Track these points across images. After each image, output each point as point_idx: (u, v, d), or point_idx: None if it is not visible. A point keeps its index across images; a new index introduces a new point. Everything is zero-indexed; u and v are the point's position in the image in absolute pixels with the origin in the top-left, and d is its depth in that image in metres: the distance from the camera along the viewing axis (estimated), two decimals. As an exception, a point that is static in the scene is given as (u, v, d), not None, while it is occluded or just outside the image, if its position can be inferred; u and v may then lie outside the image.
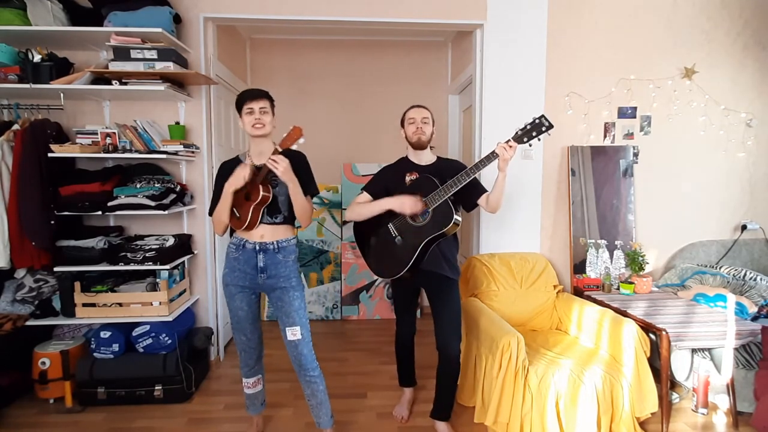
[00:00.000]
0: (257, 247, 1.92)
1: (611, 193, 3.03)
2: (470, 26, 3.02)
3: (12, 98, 2.69)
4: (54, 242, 2.46)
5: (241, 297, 1.97)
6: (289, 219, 1.98)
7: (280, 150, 1.82)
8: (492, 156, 1.94)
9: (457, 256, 2.21)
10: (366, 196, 2.21)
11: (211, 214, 2.01)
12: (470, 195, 2.13)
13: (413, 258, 2.03)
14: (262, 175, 1.86)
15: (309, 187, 1.96)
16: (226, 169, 1.97)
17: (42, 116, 2.64)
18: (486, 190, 2.16)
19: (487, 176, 2.26)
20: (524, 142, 1.95)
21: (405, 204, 2.01)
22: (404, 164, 2.23)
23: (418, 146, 2.16)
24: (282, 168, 1.78)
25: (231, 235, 2.03)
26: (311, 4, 2.86)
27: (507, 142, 1.93)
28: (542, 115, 1.92)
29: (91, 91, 2.63)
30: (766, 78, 3.11)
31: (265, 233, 1.93)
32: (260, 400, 2.18)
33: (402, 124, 2.21)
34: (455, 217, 1.98)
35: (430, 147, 2.22)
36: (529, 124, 1.93)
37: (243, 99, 1.89)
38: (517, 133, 1.95)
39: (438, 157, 2.24)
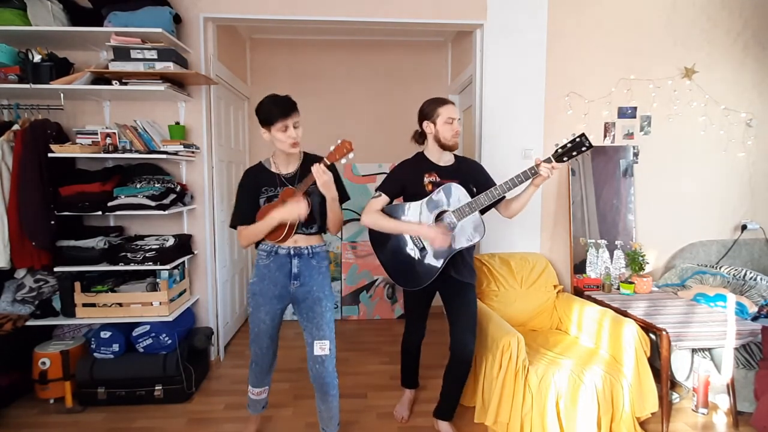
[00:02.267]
0: (291, 252, 1.88)
1: (611, 193, 3.03)
2: (470, 26, 3.02)
3: (12, 98, 2.69)
4: (54, 242, 2.46)
5: (266, 309, 1.92)
6: (321, 228, 1.95)
7: (327, 164, 1.76)
8: (530, 173, 1.89)
9: (473, 258, 2.19)
10: (383, 197, 2.07)
11: (234, 225, 1.90)
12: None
13: (440, 269, 1.99)
14: (306, 187, 1.80)
15: (342, 196, 1.94)
16: (253, 177, 1.90)
17: (42, 116, 2.63)
18: (503, 197, 2.07)
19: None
20: (564, 162, 1.88)
21: (437, 239, 1.93)
22: (423, 163, 2.10)
23: (453, 149, 2.07)
24: (323, 181, 1.73)
25: (258, 243, 1.95)
26: (311, 4, 2.86)
27: (548, 161, 1.87)
28: (582, 134, 1.85)
29: (91, 91, 2.63)
30: (766, 78, 3.11)
31: (298, 239, 1.89)
32: (262, 404, 2.18)
33: (428, 119, 2.05)
34: (485, 229, 1.96)
35: None
36: (570, 142, 1.86)
37: (275, 117, 1.76)
38: (557, 151, 1.88)
39: (456, 156, 2.15)
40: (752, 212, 3.18)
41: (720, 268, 2.96)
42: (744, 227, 3.14)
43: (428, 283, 2.03)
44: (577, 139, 1.85)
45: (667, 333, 2.15)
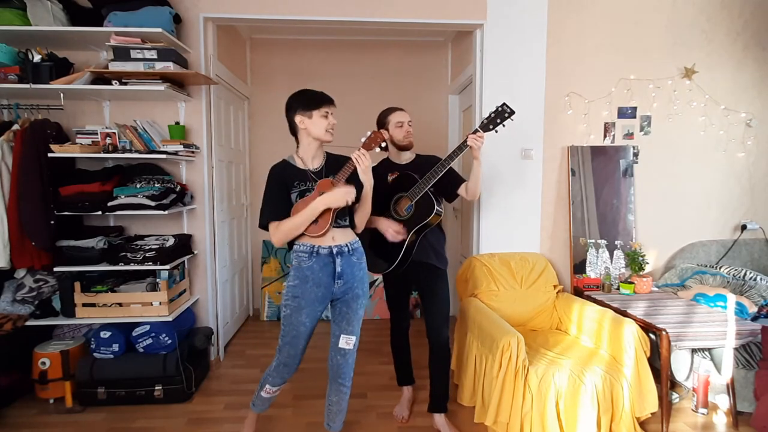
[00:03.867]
0: (333, 251, 1.84)
1: (611, 193, 3.03)
2: (470, 26, 3.02)
3: (12, 98, 2.69)
4: (54, 242, 2.45)
5: (308, 312, 1.85)
6: (351, 223, 1.93)
7: (364, 151, 1.80)
8: (463, 146, 2.06)
9: (444, 247, 2.30)
10: None
11: (266, 223, 1.84)
12: (450, 186, 2.23)
13: (402, 250, 2.12)
14: (345, 176, 1.81)
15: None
16: (281, 173, 1.87)
17: (42, 116, 2.64)
18: (464, 180, 2.26)
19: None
20: (490, 130, 2.05)
21: (389, 230, 2.09)
22: (385, 165, 2.31)
23: (407, 148, 2.26)
24: (365, 165, 1.77)
25: (291, 246, 1.90)
26: (311, 4, 2.86)
27: (475, 132, 2.04)
28: (504, 103, 2.04)
29: (91, 91, 2.63)
30: (766, 78, 3.11)
31: (336, 236, 1.86)
32: (269, 403, 2.16)
33: (382, 128, 2.25)
34: (437, 207, 2.09)
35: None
36: (493, 112, 2.05)
37: (321, 101, 1.82)
38: (482, 122, 2.07)
39: (417, 155, 2.32)
40: (752, 212, 3.18)
41: (720, 268, 2.96)
42: (744, 227, 3.14)
43: (395, 266, 2.14)
44: (500, 108, 2.03)
45: (667, 333, 2.15)
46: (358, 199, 1.86)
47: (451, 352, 2.25)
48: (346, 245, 1.88)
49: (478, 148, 2.03)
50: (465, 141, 2.05)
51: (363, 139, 1.84)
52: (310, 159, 1.90)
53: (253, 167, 4.02)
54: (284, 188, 1.84)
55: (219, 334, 3.10)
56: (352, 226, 1.95)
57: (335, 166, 1.88)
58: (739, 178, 3.16)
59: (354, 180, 1.83)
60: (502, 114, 2.03)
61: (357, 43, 4.05)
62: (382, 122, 2.27)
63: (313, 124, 1.83)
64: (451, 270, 3.57)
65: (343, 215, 1.88)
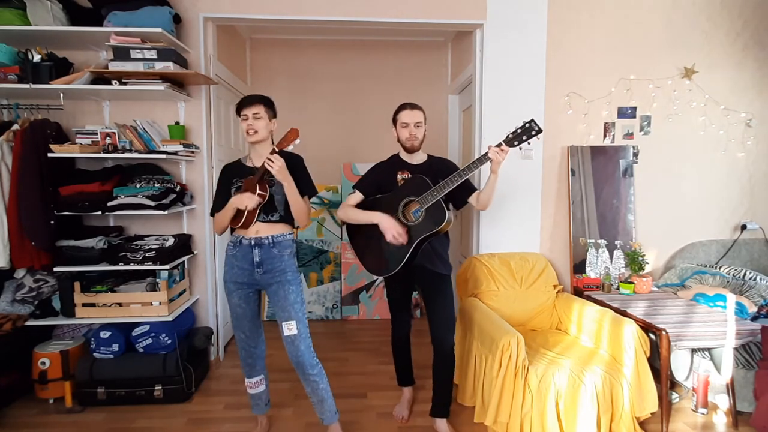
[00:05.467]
0: (252, 242, 1.96)
1: (611, 193, 3.03)
2: (470, 26, 3.02)
3: (12, 98, 2.69)
4: (54, 242, 2.45)
5: (238, 294, 2.01)
6: (286, 218, 2.01)
7: (276, 150, 1.87)
8: (484, 159, 1.98)
9: (448, 252, 2.26)
10: (358, 194, 2.23)
11: (212, 214, 2.07)
12: (461, 194, 2.17)
13: (406, 256, 2.06)
14: (260, 175, 1.90)
15: (306, 188, 2.00)
16: (228, 171, 2.07)
17: (42, 116, 2.63)
18: (476, 188, 2.22)
19: (482, 176, 2.26)
20: (515, 146, 1.97)
21: (391, 230, 2.03)
22: (396, 163, 2.25)
23: (411, 151, 2.20)
24: (277, 167, 1.83)
25: (231, 233, 2.07)
26: (311, 4, 2.86)
27: (499, 145, 1.96)
28: (532, 120, 1.96)
29: (91, 91, 2.63)
30: (766, 78, 3.11)
31: (260, 229, 1.98)
32: (264, 400, 2.19)
33: (394, 124, 2.22)
34: (448, 216, 2.03)
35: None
36: (520, 128, 1.96)
37: (239, 107, 1.96)
38: (507, 136, 1.98)
39: (429, 156, 2.26)
40: (752, 212, 3.18)
41: (720, 268, 2.96)
42: (744, 227, 3.14)
43: (397, 270, 2.08)
44: (527, 124, 1.94)
45: (666, 333, 2.15)
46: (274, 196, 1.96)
47: (455, 358, 2.19)
48: (268, 237, 1.97)
49: (499, 162, 1.97)
50: (486, 154, 1.96)
51: (281, 137, 1.89)
52: (257, 158, 2.01)
53: (253, 167, 4.02)
54: (227, 184, 2.03)
55: (219, 334, 3.10)
56: (290, 220, 2.01)
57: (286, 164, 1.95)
58: (739, 178, 3.16)
59: (272, 178, 1.92)
60: (528, 131, 1.94)
61: (357, 43, 4.04)
62: (393, 119, 2.22)
63: (241, 129, 1.99)
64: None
65: (271, 211, 1.97)
